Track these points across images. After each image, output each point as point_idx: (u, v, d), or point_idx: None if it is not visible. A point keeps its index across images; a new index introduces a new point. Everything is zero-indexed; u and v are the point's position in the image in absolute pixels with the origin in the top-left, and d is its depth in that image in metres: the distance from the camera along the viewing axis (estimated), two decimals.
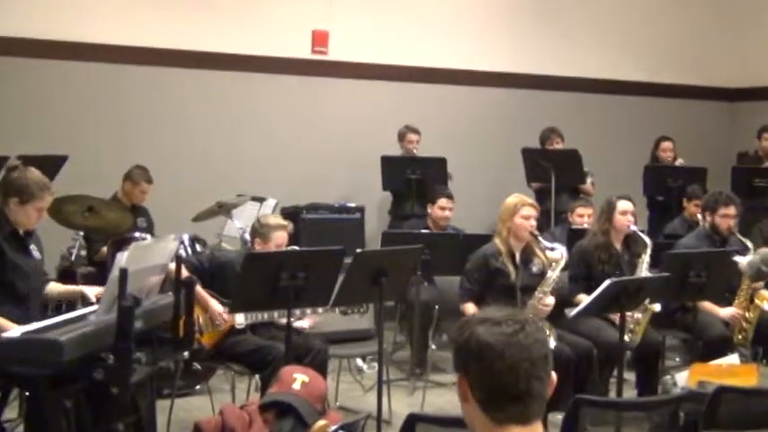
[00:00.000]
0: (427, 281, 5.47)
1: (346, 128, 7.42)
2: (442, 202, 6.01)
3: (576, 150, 6.85)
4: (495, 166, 7.73)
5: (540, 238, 4.80)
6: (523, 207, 4.76)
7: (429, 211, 6.07)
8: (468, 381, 1.48)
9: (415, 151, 7.06)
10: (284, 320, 4.23)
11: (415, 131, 7.13)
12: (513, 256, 4.78)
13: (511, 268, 4.73)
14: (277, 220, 4.60)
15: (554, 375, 1.51)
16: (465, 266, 4.85)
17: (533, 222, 4.76)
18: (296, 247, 4.77)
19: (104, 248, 5.47)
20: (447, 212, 5.99)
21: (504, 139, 7.71)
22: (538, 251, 4.81)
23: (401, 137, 7.15)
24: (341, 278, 4.02)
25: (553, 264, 4.74)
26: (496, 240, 4.81)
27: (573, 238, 5.44)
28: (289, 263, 3.83)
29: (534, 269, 4.77)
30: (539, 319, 1.61)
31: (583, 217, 5.92)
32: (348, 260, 4.04)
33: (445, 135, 7.56)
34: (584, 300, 4.48)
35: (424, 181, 6.68)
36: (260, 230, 4.45)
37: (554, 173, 6.78)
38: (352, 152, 7.39)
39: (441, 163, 6.83)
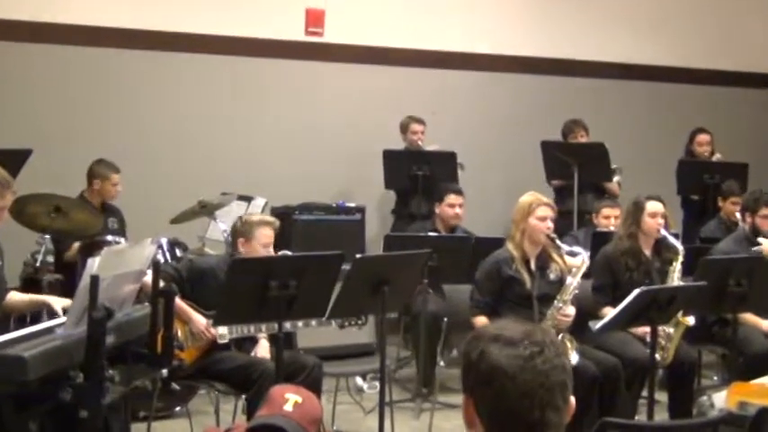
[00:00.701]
0: (435, 290, 5.50)
1: (344, 119, 7.43)
2: (451, 198, 6.01)
3: (603, 144, 6.85)
4: (511, 162, 7.69)
5: (559, 242, 4.82)
6: (539, 207, 4.76)
7: (437, 210, 6.08)
8: (474, 404, 1.47)
9: (420, 143, 7.10)
10: (262, 335, 4.27)
11: (419, 122, 7.16)
12: (527, 263, 4.79)
13: (526, 276, 4.74)
14: (261, 216, 4.60)
15: (573, 401, 1.50)
16: (475, 275, 4.88)
17: (550, 224, 4.77)
18: (288, 252, 4.78)
19: (73, 252, 5.49)
20: (457, 209, 6.00)
21: (521, 131, 7.71)
22: (556, 256, 4.83)
23: (404, 128, 7.18)
24: (338, 287, 4.03)
25: (573, 270, 4.76)
26: (509, 245, 4.82)
27: (598, 242, 5.47)
28: (279, 270, 3.83)
29: (552, 276, 4.78)
30: (559, 340, 1.54)
31: (609, 219, 5.94)
32: (346, 266, 4.05)
33: (455, 127, 7.57)
34: (611, 312, 4.51)
35: (431, 178, 6.70)
36: (241, 229, 4.47)
37: (577, 169, 6.79)
38: (351, 146, 7.39)
39: (450, 158, 6.84)
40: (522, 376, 1.43)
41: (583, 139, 7.20)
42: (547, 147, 7.03)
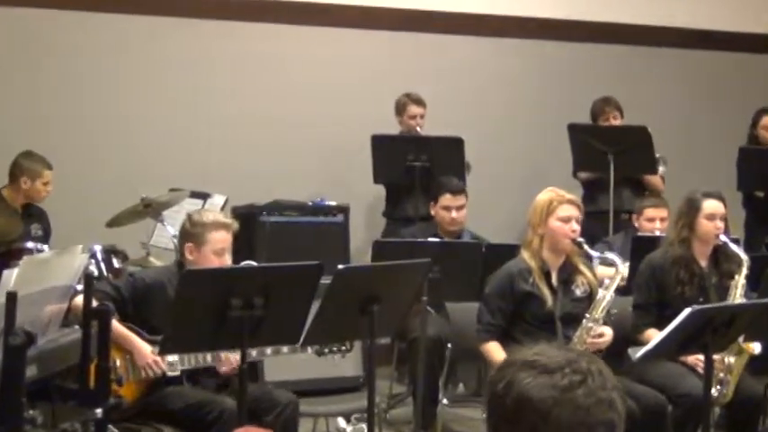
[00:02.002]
0: (437, 309, 5.54)
1: (323, 97, 7.46)
2: (446, 199, 6.04)
3: (646, 128, 6.87)
4: (531, 151, 7.74)
5: (588, 248, 4.83)
6: (560, 206, 4.78)
7: (432, 212, 6.16)
8: None
9: (418, 129, 7.14)
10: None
11: (419, 102, 7.19)
12: (548, 276, 4.80)
13: (546, 291, 4.77)
14: (215, 215, 4.62)
15: None
16: (485, 291, 4.89)
17: (575, 226, 4.78)
18: (252, 263, 4.78)
19: None
20: (454, 213, 6.04)
21: (543, 112, 7.74)
22: (582, 266, 4.84)
23: (399, 109, 7.21)
24: (315, 305, 4.04)
25: (605, 281, 4.77)
26: (525, 254, 4.84)
27: (640, 249, 5.46)
28: (242, 284, 3.84)
29: (578, 292, 4.80)
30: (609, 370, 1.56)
31: (654, 221, 5.97)
32: (326, 280, 4.06)
33: (460, 108, 7.56)
34: (655, 336, 4.52)
35: (432, 170, 6.70)
36: (191, 231, 4.47)
37: (613, 158, 6.79)
38: (332, 131, 7.42)
39: (456, 145, 6.82)
40: (556, 411, 1.40)
41: (616, 122, 7.26)
42: (576, 131, 7.02)
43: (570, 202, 4.83)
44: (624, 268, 4.84)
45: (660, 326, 4.60)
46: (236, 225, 4.58)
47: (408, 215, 6.81)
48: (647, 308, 4.97)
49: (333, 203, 7.00)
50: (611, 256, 4.91)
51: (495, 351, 4.73)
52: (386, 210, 7.19)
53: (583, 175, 7.16)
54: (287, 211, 6.79)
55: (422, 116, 7.16)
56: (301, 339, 4.09)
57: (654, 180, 7.03)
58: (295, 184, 7.19)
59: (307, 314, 4.01)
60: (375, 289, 4.04)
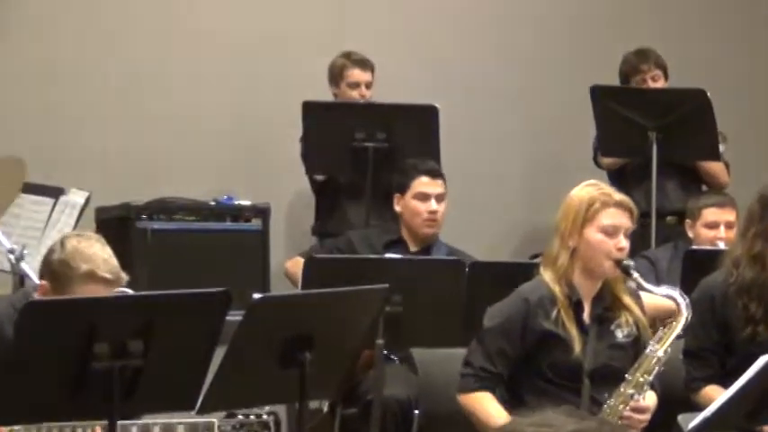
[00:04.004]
0: (400, 358, 5.60)
1: (233, 55, 7.60)
2: (421, 184, 6.12)
3: (704, 92, 6.93)
4: (535, 127, 7.83)
5: (637, 275, 4.83)
6: (605, 209, 4.78)
7: (397, 208, 6.21)
8: None
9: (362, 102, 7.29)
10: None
11: (363, 65, 7.27)
12: (578, 309, 4.80)
13: (574, 332, 4.76)
14: (95, 259, 4.41)
15: None
16: (484, 323, 4.83)
17: (623, 242, 4.80)
18: (126, 290, 4.76)
19: None
20: (433, 205, 6.11)
21: (554, 73, 7.89)
22: (628, 299, 4.86)
23: (335, 76, 7.28)
24: (220, 353, 4.04)
25: (662, 331, 4.78)
26: (546, 276, 4.84)
27: (695, 270, 5.50)
28: (112, 322, 3.83)
29: (619, 335, 4.83)
30: None
31: (716, 228, 6.05)
32: (236, 315, 4.06)
33: (433, 68, 7.71)
34: (718, 397, 4.51)
35: (392, 153, 6.73)
36: (55, 269, 4.45)
37: (657, 137, 6.81)
38: (245, 102, 7.56)
39: (427, 117, 6.87)
40: None
41: (658, 83, 7.33)
42: (601, 96, 7.05)
43: (620, 205, 4.82)
44: (687, 308, 4.79)
45: (723, 382, 4.62)
46: (124, 278, 4.49)
47: (352, 221, 6.90)
48: (704, 356, 4.97)
49: (245, 203, 7.05)
50: (668, 290, 4.89)
51: (486, 403, 4.71)
52: (316, 223, 7.24)
53: (608, 160, 7.25)
54: (177, 214, 6.85)
55: (368, 85, 7.22)
56: (198, 403, 4.05)
57: (714, 168, 7.12)
58: (190, 176, 7.29)
59: (207, 365, 4.00)
60: (307, 328, 4.05)
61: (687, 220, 6.23)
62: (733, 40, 8.39)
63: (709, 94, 6.86)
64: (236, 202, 7.06)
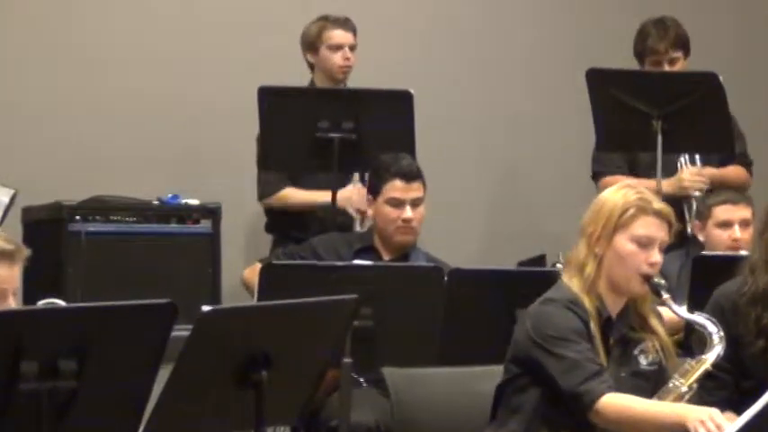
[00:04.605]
0: (370, 380, 5.66)
1: (173, 36, 7.75)
2: (395, 188, 6.17)
3: (715, 75, 6.92)
4: (519, 118, 7.91)
5: (668, 297, 4.84)
6: (642, 217, 4.78)
7: (369, 212, 6.37)
8: None
9: (345, 73, 7.30)
10: None
11: (345, 25, 7.33)
12: (606, 327, 4.82)
13: (602, 354, 4.77)
14: None
15: None
16: (542, 333, 4.72)
17: (657, 257, 4.78)
18: (57, 301, 4.87)
19: None
20: (408, 212, 6.16)
21: (546, 54, 7.98)
22: (654, 321, 4.88)
23: (312, 40, 7.33)
24: (165, 371, 3.99)
25: (689, 364, 4.77)
26: (573, 284, 4.83)
27: (705, 277, 5.55)
28: (40, 338, 3.76)
29: (643, 361, 4.84)
30: None
31: (730, 227, 6.14)
32: (182, 330, 3.99)
33: (407, 50, 7.84)
34: (733, 423, 4.45)
35: (360, 144, 6.77)
36: None
37: (662, 128, 6.81)
38: (191, 86, 7.69)
39: (400, 103, 6.87)
40: None
41: (677, 66, 7.35)
42: (599, 81, 7.04)
43: (659, 214, 4.78)
44: (720, 341, 4.75)
45: (739, 409, 4.51)
46: (25, 252, 4.52)
47: (315, 225, 6.95)
48: (718, 375, 4.89)
49: (193, 202, 7.11)
50: (702, 320, 4.84)
51: (626, 398, 4.61)
52: (269, 221, 7.32)
53: (608, 158, 7.24)
54: (115, 215, 6.88)
55: (352, 48, 7.25)
56: (140, 430, 4.00)
57: (732, 174, 7.13)
58: (130, 171, 7.39)
59: (149, 387, 3.96)
60: (264, 344, 4.06)
61: (696, 222, 6.29)
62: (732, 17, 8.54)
63: (721, 78, 6.81)
64: (183, 202, 7.08)
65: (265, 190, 7.06)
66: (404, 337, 5.52)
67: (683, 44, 7.33)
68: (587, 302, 4.76)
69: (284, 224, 7.23)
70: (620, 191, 4.88)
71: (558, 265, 5.19)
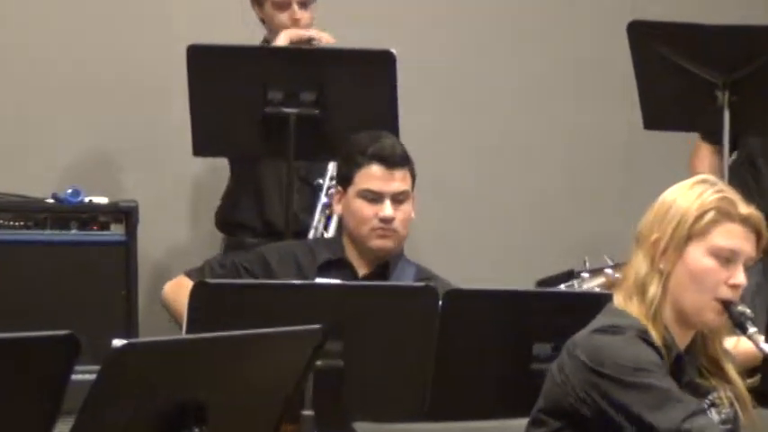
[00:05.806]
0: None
1: None
2: (371, 176, 6.19)
3: None
4: (536, 89, 8.18)
5: (754, 329, 4.77)
6: (726, 224, 4.66)
7: (337, 210, 6.36)
8: None
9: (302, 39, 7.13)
10: None
11: None
12: (677, 366, 4.71)
13: None
14: None
15: None
16: (617, 366, 4.67)
17: (741, 279, 4.64)
18: None
19: None
20: (388, 210, 6.14)
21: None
22: (728, 365, 4.81)
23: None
24: (65, 426, 3.91)
25: None
26: (632, 309, 4.67)
27: None
28: None
29: (715, 417, 4.75)
30: None
31: None
32: (87, 372, 3.95)
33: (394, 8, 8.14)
34: None
35: (324, 123, 6.73)
36: None
37: (729, 96, 6.74)
38: (99, 48, 7.90)
39: (380, 68, 6.88)
40: None
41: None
42: (644, 36, 6.90)
43: (747, 221, 4.66)
44: None
45: None
46: None
47: (271, 224, 7.05)
48: None
49: (101, 201, 7.10)
50: None
51: None
52: (222, 212, 7.29)
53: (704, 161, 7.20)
54: None
55: (303, 4, 7.17)
56: None
57: None
58: (18, 162, 7.58)
59: None
60: (197, 392, 4.08)
61: None
62: None
63: None
64: (87, 200, 7.02)
65: None
66: (382, 381, 5.54)
67: None
68: (655, 334, 4.67)
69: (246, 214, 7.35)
70: (692, 189, 4.77)
71: (584, 275, 5.46)
